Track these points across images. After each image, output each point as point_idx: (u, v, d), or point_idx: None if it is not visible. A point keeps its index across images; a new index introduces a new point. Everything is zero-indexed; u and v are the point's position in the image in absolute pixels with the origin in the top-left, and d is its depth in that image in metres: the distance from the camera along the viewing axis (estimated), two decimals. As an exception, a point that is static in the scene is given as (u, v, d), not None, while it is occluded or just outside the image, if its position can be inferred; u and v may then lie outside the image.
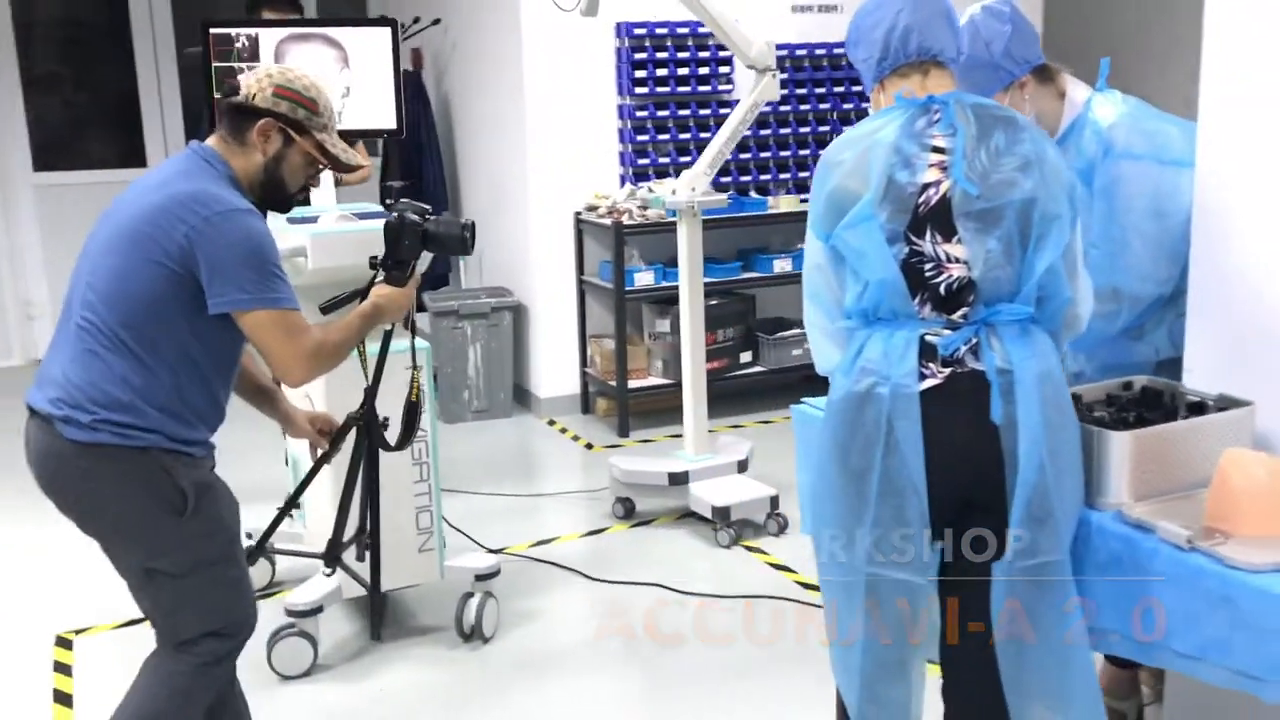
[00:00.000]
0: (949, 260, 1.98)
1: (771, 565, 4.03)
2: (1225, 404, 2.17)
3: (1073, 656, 1.95)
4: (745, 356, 5.77)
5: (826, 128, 6.06)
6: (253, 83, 2.34)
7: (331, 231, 3.26)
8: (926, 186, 1.99)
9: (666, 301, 5.62)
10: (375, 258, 2.79)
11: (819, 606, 3.67)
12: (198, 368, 2.27)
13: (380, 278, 2.74)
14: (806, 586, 3.84)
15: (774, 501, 4.28)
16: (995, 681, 2.00)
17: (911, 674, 2.04)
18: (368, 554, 3.13)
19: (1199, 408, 2.19)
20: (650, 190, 5.46)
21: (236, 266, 2.19)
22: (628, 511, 4.49)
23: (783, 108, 5.90)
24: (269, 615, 3.61)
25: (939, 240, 1.98)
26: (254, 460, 4.34)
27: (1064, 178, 2.01)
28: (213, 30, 3.52)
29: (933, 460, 1.95)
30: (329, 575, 3.28)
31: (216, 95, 3.30)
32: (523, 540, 4.30)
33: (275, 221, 3.51)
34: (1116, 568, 1.98)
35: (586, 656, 3.46)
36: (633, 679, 3.34)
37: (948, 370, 1.97)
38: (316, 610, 3.30)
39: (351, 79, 3.60)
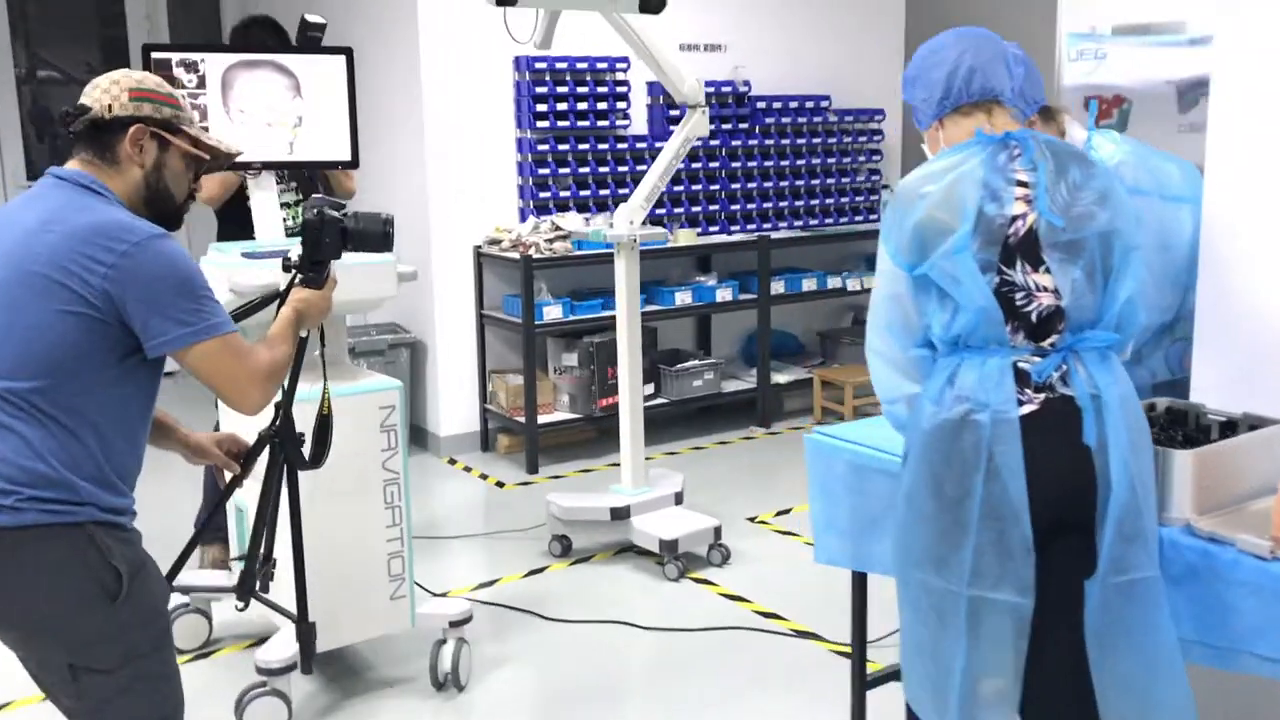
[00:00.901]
0: (1038, 289, 2.06)
1: (725, 596, 4.05)
2: (1255, 422, 2.32)
3: (1164, 668, 2.04)
4: (648, 389, 5.78)
5: (716, 164, 6.17)
6: (100, 94, 2.11)
7: (307, 267, 3.10)
8: (1014, 219, 2.06)
9: (573, 335, 5.60)
10: (288, 259, 2.62)
11: (785, 635, 3.74)
12: (123, 422, 2.06)
13: (296, 281, 2.56)
14: (767, 615, 3.87)
15: (717, 532, 4.30)
16: (1088, 698, 2.07)
17: (1012, 692, 2.08)
18: (274, 583, 2.90)
19: (1231, 426, 2.34)
20: (556, 226, 5.47)
21: (170, 299, 2.00)
22: (565, 549, 4.43)
23: (677, 143, 5.98)
24: (222, 673, 3.41)
25: (1028, 270, 2.06)
26: (147, 512, 4.07)
27: (1132, 210, 2.12)
28: (154, 55, 3.31)
29: (1031, 483, 2.01)
30: (241, 610, 3.05)
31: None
32: (464, 583, 4.18)
33: (229, 257, 3.33)
34: (1193, 579, 2.09)
35: (566, 700, 3.39)
36: None
37: (1041, 396, 2.05)
38: (290, 667, 3.11)
39: (304, 108, 3.45)
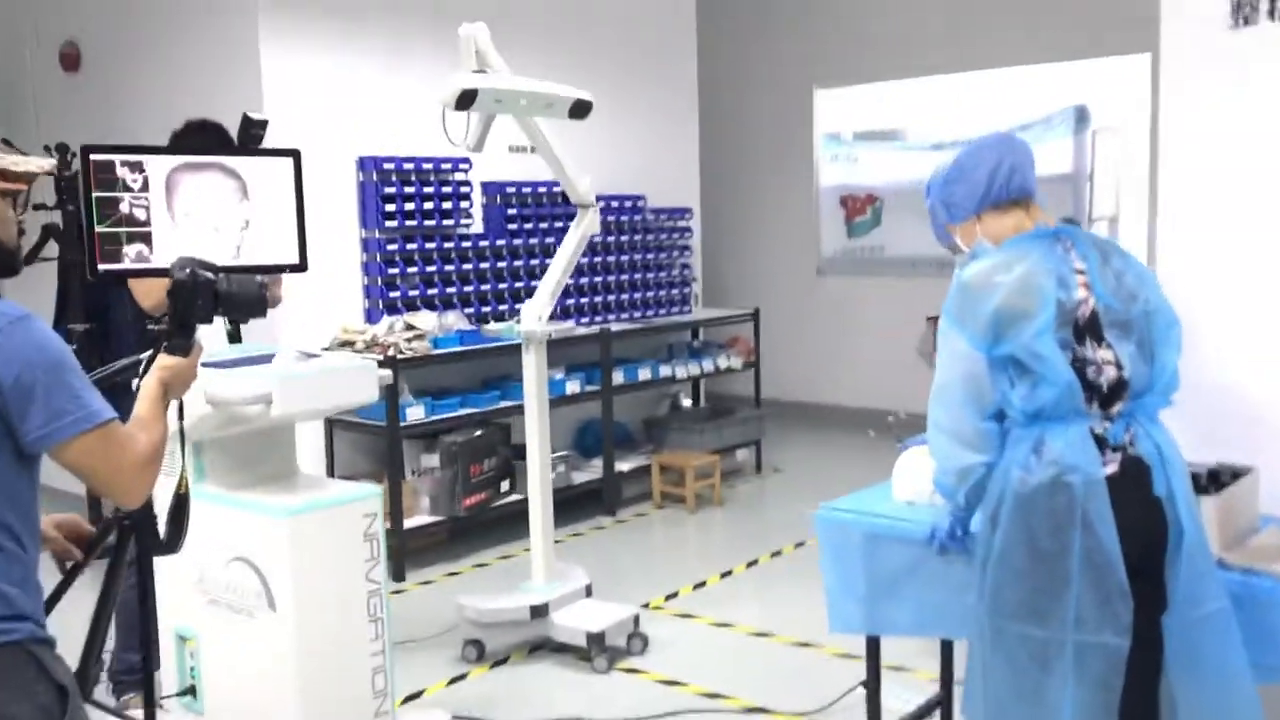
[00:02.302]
0: (1103, 363, 2.35)
1: (660, 682, 4.10)
2: (1235, 471, 2.71)
3: (1238, 690, 2.33)
4: (504, 485, 5.77)
5: (536, 261, 6.26)
6: None
7: (299, 374, 2.98)
8: (1079, 303, 2.35)
9: (430, 436, 5.52)
10: (151, 321, 2.45)
11: (737, 713, 3.84)
12: (30, 520, 1.91)
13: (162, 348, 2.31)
14: (711, 696, 3.97)
15: (635, 621, 4.36)
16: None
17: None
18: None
19: (1215, 475, 2.72)
20: (410, 325, 5.42)
21: (47, 388, 1.84)
22: (480, 653, 4.34)
23: (514, 241, 6.08)
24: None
25: (1094, 347, 2.35)
26: None
27: (1161, 290, 2.46)
28: (93, 157, 3.09)
29: (1120, 534, 2.27)
30: None
31: (98, 228, 2.89)
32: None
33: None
34: (1237, 607, 2.41)
35: (554, 801, 3.34)
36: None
37: (1118, 456, 2.32)
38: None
39: (251, 211, 3.32)
